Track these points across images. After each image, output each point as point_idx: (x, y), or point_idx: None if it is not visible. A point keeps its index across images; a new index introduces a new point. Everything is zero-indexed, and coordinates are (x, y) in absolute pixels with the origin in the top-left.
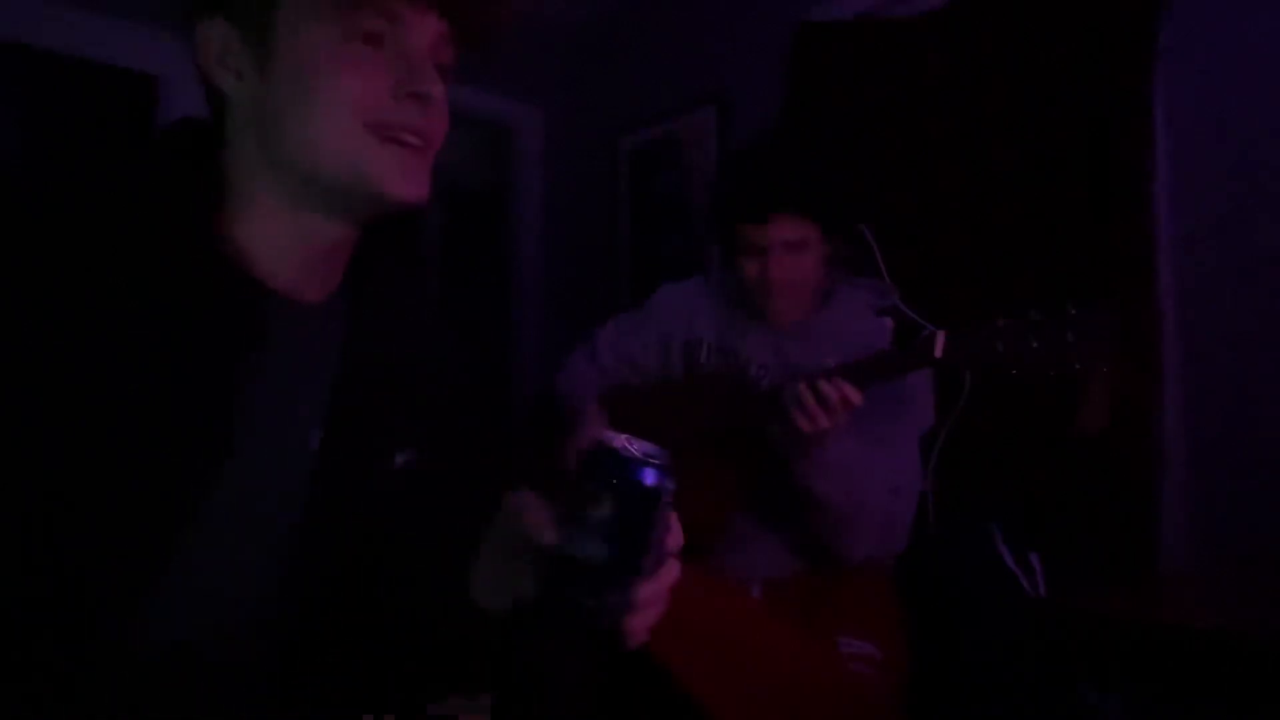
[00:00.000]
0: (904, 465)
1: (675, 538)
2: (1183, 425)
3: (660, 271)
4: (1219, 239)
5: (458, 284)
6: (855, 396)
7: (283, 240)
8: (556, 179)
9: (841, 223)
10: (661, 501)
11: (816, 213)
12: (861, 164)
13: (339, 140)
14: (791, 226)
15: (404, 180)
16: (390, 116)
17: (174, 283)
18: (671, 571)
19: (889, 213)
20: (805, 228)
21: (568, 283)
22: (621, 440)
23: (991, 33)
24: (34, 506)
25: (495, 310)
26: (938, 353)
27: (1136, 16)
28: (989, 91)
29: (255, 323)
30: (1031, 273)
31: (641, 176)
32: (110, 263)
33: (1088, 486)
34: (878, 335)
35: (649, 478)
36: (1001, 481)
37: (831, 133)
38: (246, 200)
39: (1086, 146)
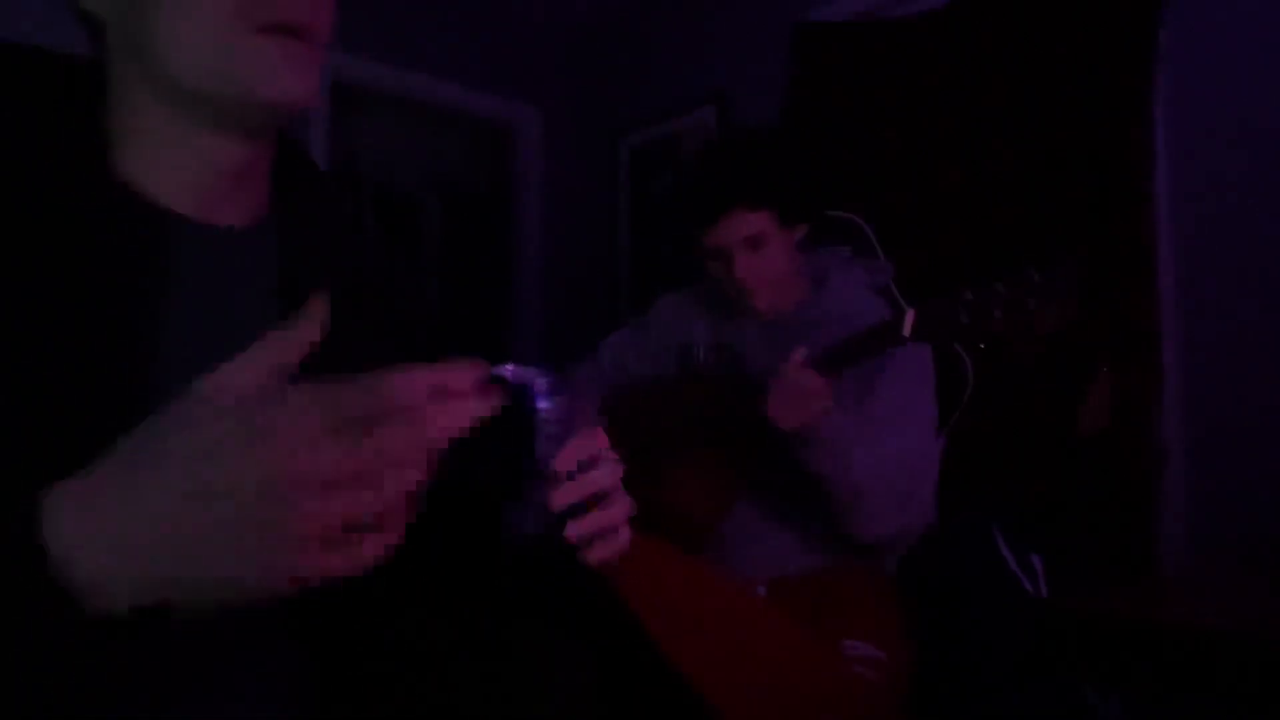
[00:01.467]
0: (913, 440)
1: (586, 458)
2: (1183, 425)
3: (659, 271)
4: (1219, 239)
5: (458, 284)
6: (819, 385)
7: (181, 164)
8: (556, 179)
9: (798, 206)
10: (538, 420)
11: (766, 202)
12: (861, 163)
13: (204, 36)
14: (744, 222)
15: (284, 76)
16: (263, 7)
17: (68, 217)
18: (618, 501)
19: (889, 212)
20: (759, 220)
21: (568, 283)
22: (508, 369)
23: (991, 33)
24: None
25: (495, 310)
26: (906, 331)
27: (1136, 16)
28: (989, 91)
29: (160, 251)
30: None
31: (641, 177)
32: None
33: (1088, 486)
34: (870, 311)
35: (525, 399)
36: (1002, 482)
37: (831, 133)
38: (136, 126)
39: (1086, 146)
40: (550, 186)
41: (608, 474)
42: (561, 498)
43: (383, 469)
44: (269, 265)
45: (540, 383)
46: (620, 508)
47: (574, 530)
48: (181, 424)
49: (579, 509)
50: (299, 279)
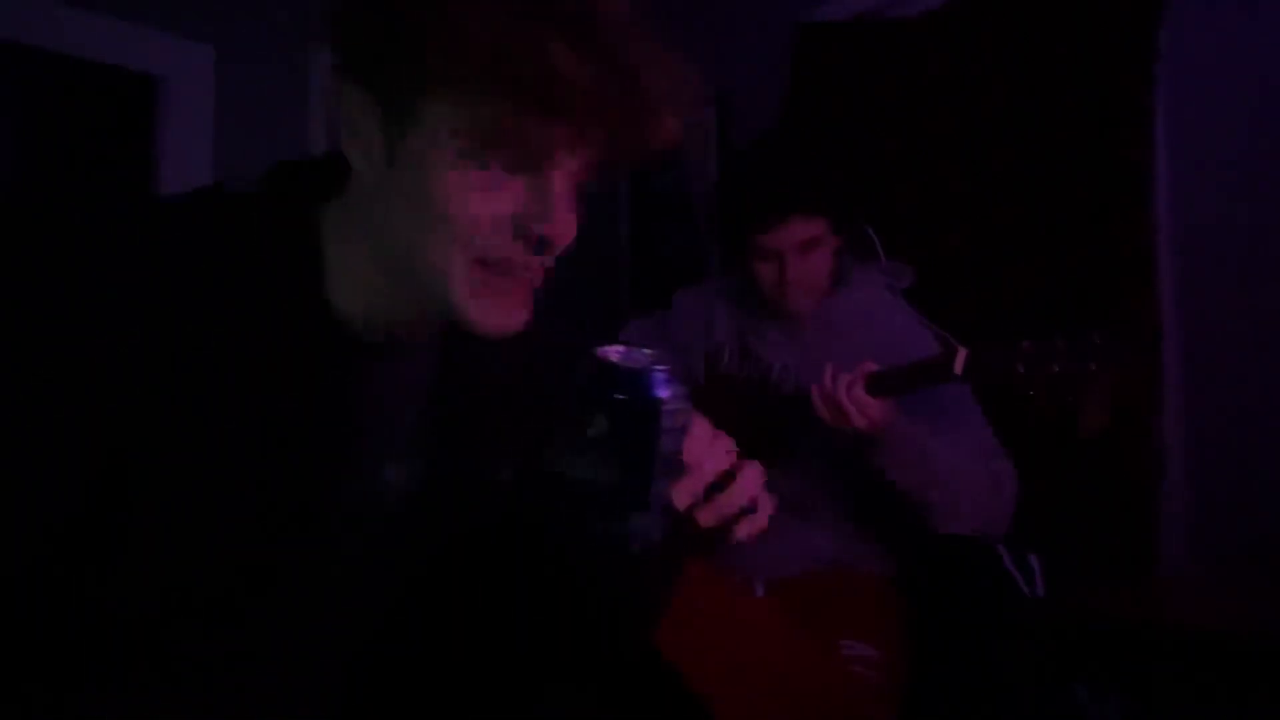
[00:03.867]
0: (982, 433)
1: (705, 444)
2: (1183, 425)
3: (660, 271)
4: (1219, 239)
5: None
6: (867, 402)
7: (375, 302)
8: None
9: (850, 214)
10: (663, 411)
11: (825, 209)
12: (862, 164)
13: (440, 261)
14: (803, 227)
15: (493, 314)
16: (500, 251)
17: (276, 331)
18: (749, 475)
19: (889, 213)
20: (816, 226)
21: (568, 283)
22: (616, 351)
23: (991, 33)
24: (156, 540)
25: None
26: (957, 369)
27: (1136, 17)
28: (989, 92)
29: (346, 367)
30: (1032, 272)
31: (641, 176)
32: (212, 311)
33: (1088, 487)
34: (895, 317)
35: (645, 388)
36: None
37: (832, 133)
38: (345, 259)
39: (1086, 146)
40: None
41: (725, 453)
42: (689, 488)
43: None
44: (423, 370)
45: (659, 370)
46: (753, 478)
47: (708, 516)
48: None
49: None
50: (450, 386)
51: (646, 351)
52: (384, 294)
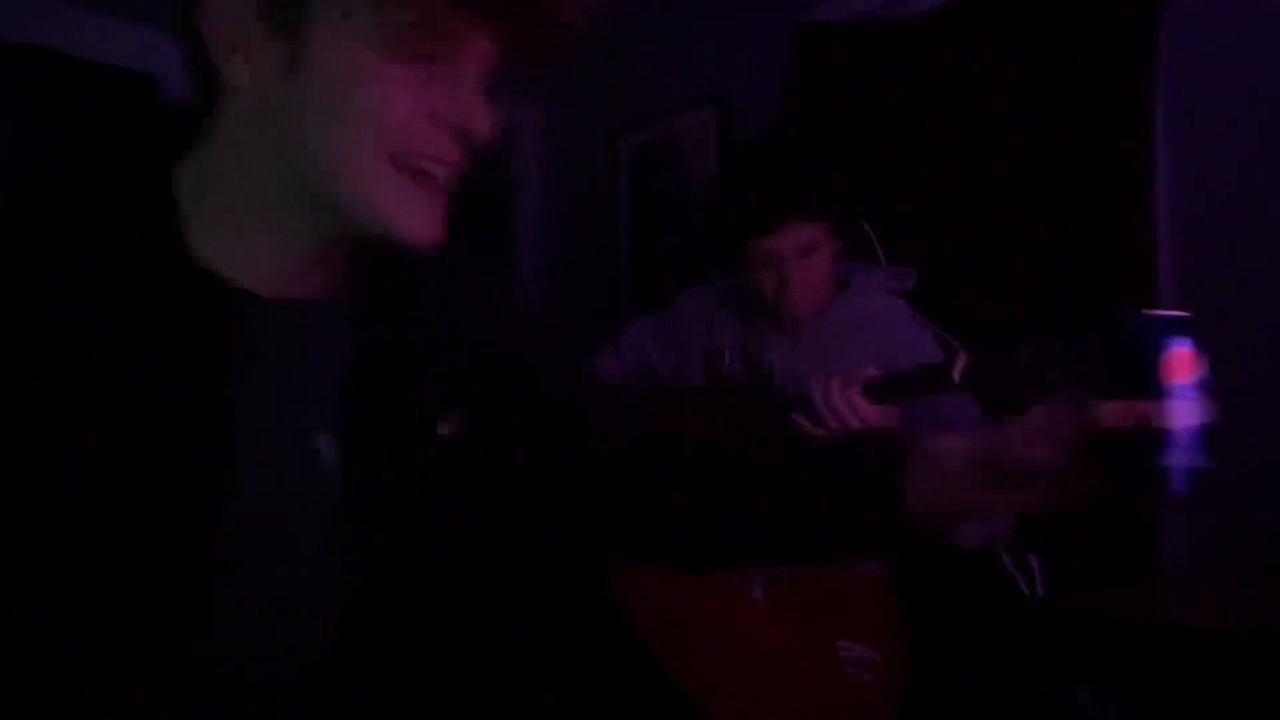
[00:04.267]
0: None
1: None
2: None
3: (660, 271)
4: (1219, 239)
5: None
6: (864, 406)
7: (265, 245)
8: (556, 179)
9: (848, 217)
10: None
11: (824, 212)
12: (861, 165)
13: (356, 165)
14: (802, 231)
15: (416, 220)
16: (419, 144)
17: (142, 295)
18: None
19: (889, 213)
20: (815, 229)
21: (568, 283)
22: (1142, 319)
23: (991, 33)
24: (39, 546)
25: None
26: (956, 377)
27: (1136, 16)
28: (989, 92)
29: (236, 330)
30: (1032, 273)
31: (641, 176)
32: (73, 278)
33: None
34: (896, 321)
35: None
36: None
37: (831, 134)
38: (231, 197)
39: (1087, 146)
40: (550, 186)
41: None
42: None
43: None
44: (338, 333)
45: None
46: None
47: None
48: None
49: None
50: (364, 343)
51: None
52: (278, 230)
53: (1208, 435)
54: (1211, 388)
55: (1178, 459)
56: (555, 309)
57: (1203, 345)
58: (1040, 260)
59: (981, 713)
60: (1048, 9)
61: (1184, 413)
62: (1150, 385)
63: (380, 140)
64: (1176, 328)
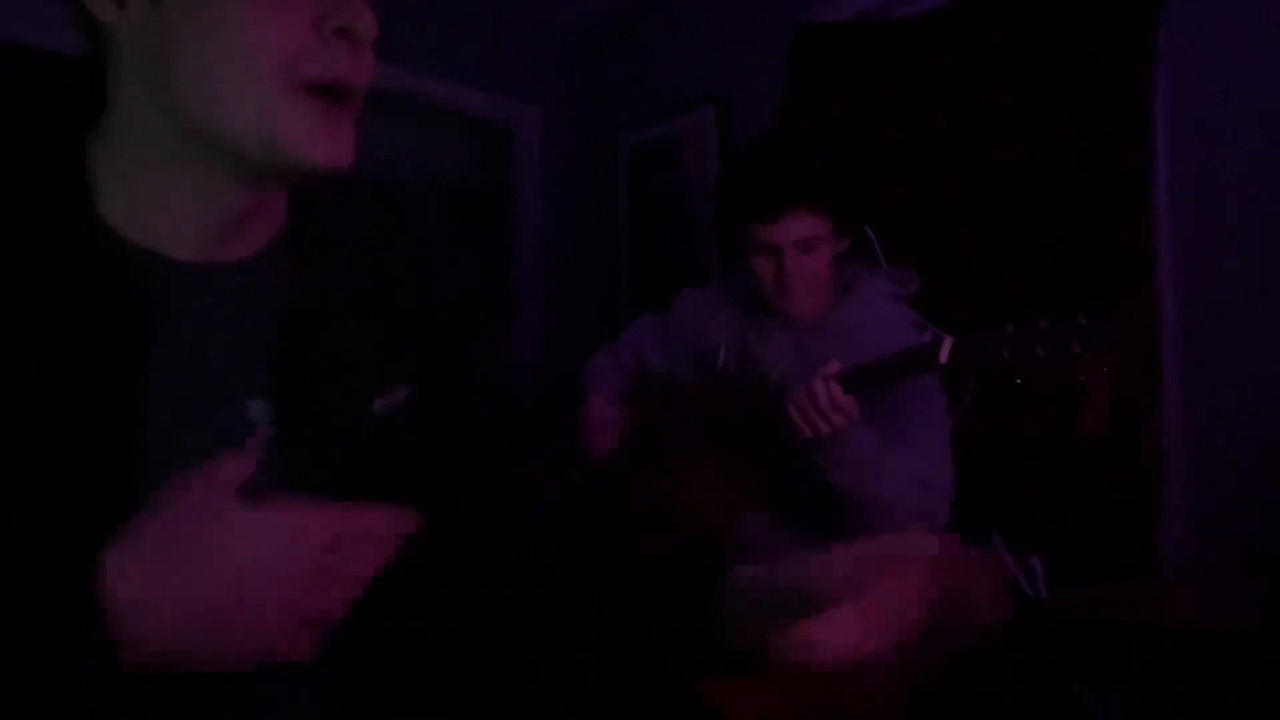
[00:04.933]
0: (932, 462)
1: None
2: (1183, 425)
3: (660, 271)
4: (1219, 239)
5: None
6: (844, 402)
7: (181, 208)
8: (556, 179)
9: (854, 216)
10: None
11: (828, 207)
12: (861, 164)
13: (246, 92)
14: (804, 224)
15: (324, 143)
16: (311, 62)
17: (48, 265)
18: None
19: (889, 213)
20: (817, 223)
21: (568, 283)
22: None
23: (991, 33)
24: None
25: (495, 309)
26: (943, 358)
27: (1136, 17)
28: (989, 92)
29: (145, 293)
30: (1032, 272)
31: (641, 176)
32: None
33: (1088, 486)
34: (898, 325)
35: None
36: (1001, 483)
37: (831, 133)
38: (135, 157)
39: (1087, 147)
40: (550, 186)
41: None
42: None
43: (340, 587)
44: (272, 295)
45: None
46: None
47: None
48: (214, 519)
49: None
50: (300, 308)
51: None
52: (190, 187)
53: None
54: (1211, 388)
55: None
56: (555, 309)
57: (1202, 346)
58: (1040, 260)
59: (983, 713)
60: (1048, 9)
61: None
62: None
63: (265, 60)
64: None
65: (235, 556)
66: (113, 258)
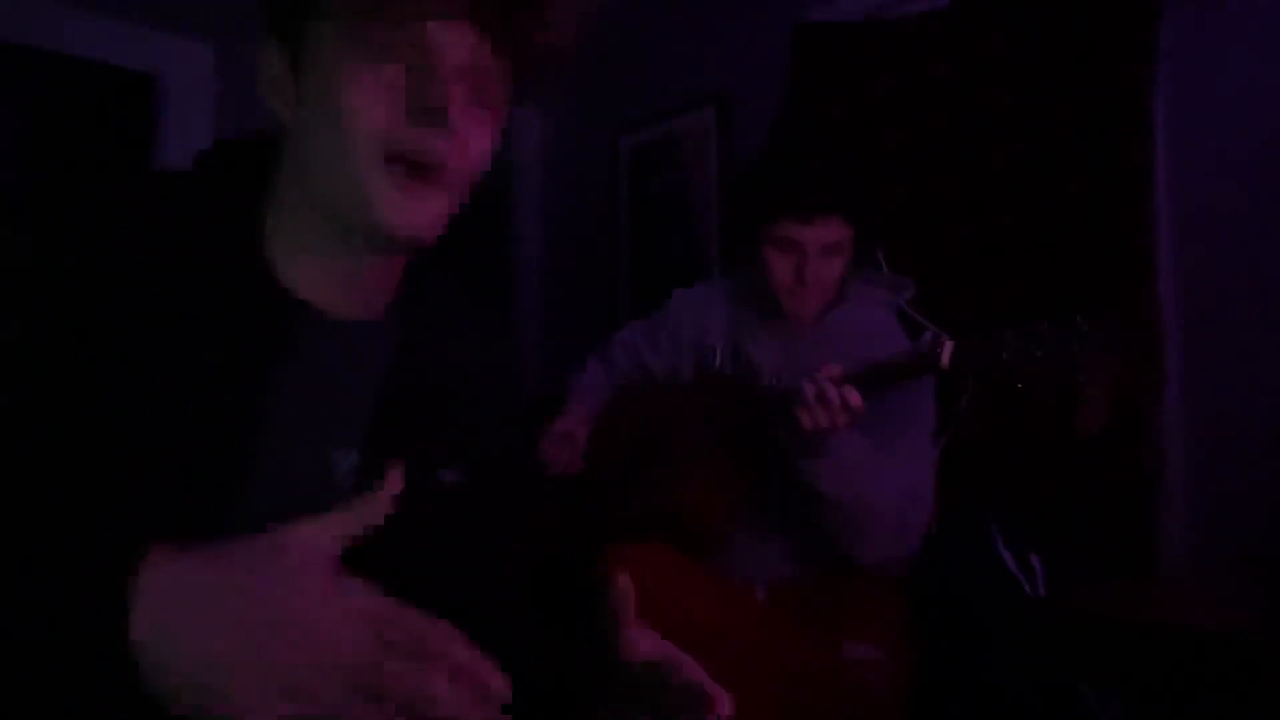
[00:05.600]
0: (916, 470)
1: None
2: (1183, 425)
3: (660, 271)
4: (1219, 239)
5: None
6: (856, 400)
7: (321, 260)
8: (556, 179)
9: (872, 234)
10: None
11: (857, 220)
12: (861, 165)
13: (352, 167)
14: (833, 229)
15: (403, 209)
16: (401, 138)
17: (213, 293)
18: None
19: (889, 213)
20: (844, 231)
21: (568, 283)
22: None
23: (991, 33)
24: (62, 504)
25: (495, 310)
26: (944, 362)
27: (1136, 17)
28: (989, 92)
29: (284, 333)
30: (1032, 273)
31: (641, 176)
32: (159, 275)
33: (1088, 486)
34: (889, 332)
35: None
36: (1002, 482)
37: (832, 134)
38: (292, 217)
39: (1087, 147)
40: (550, 186)
41: None
42: None
43: (407, 693)
44: (377, 356)
45: None
46: None
47: None
48: (270, 571)
49: None
50: (401, 373)
51: None
52: (328, 258)
53: None
54: (1211, 388)
55: None
56: (555, 309)
57: (1202, 346)
58: (1040, 261)
59: (984, 712)
60: (1048, 9)
61: None
62: None
63: (367, 140)
64: None
65: (308, 632)
66: (269, 297)
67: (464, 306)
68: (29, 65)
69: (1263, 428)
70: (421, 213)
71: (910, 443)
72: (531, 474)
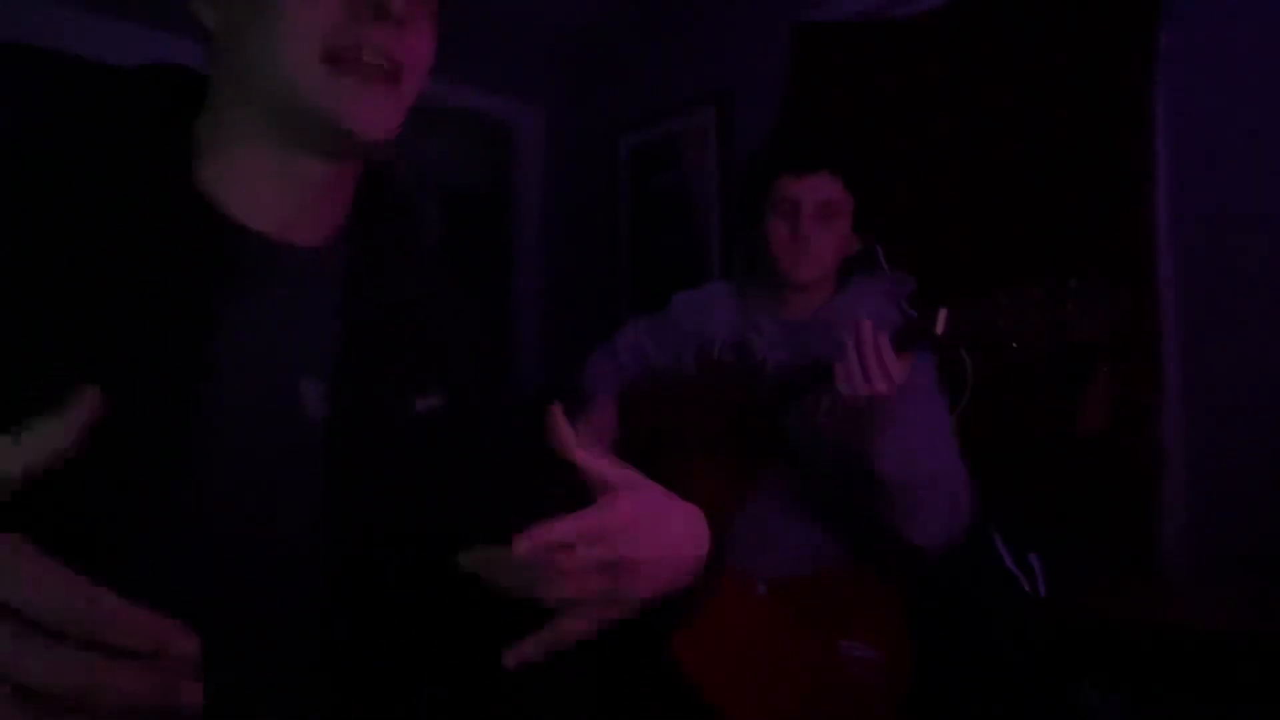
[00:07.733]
0: (952, 443)
1: None
2: (1183, 425)
3: (660, 271)
4: (1219, 237)
5: (457, 284)
6: (896, 366)
7: (265, 180)
8: (556, 179)
9: (872, 198)
10: None
11: (854, 186)
12: (861, 164)
13: (295, 70)
14: (826, 184)
15: (363, 111)
16: (346, 37)
17: (144, 220)
18: None
19: (889, 212)
20: (838, 189)
21: (568, 283)
22: None
23: (992, 32)
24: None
25: (495, 310)
26: (939, 329)
27: (1137, 17)
28: (989, 92)
29: (227, 260)
30: (1032, 273)
31: (641, 176)
32: (88, 203)
33: (1088, 486)
34: (890, 321)
35: None
36: (1001, 482)
37: (831, 133)
38: (228, 139)
39: (1087, 145)
40: (550, 186)
41: None
42: None
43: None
44: (333, 284)
45: None
46: None
47: None
48: None
49: None
50: (361, 300)
51: None
52: (272, 181)
53: None
54: (1211, 388)
55: None
56: (555, 309)
57: (1202, 346)
58: (1040, 260)
59: (983, 712)
60: (1048, 9)
61: None
62: None
63: (306, 40)
64: None
65: None
66: (201, 221)
67: (410, 234)
68: (29, 65)
69: (1263, 428)
70: (381, 113)
71: (937, 416)
72: (516, 398)
